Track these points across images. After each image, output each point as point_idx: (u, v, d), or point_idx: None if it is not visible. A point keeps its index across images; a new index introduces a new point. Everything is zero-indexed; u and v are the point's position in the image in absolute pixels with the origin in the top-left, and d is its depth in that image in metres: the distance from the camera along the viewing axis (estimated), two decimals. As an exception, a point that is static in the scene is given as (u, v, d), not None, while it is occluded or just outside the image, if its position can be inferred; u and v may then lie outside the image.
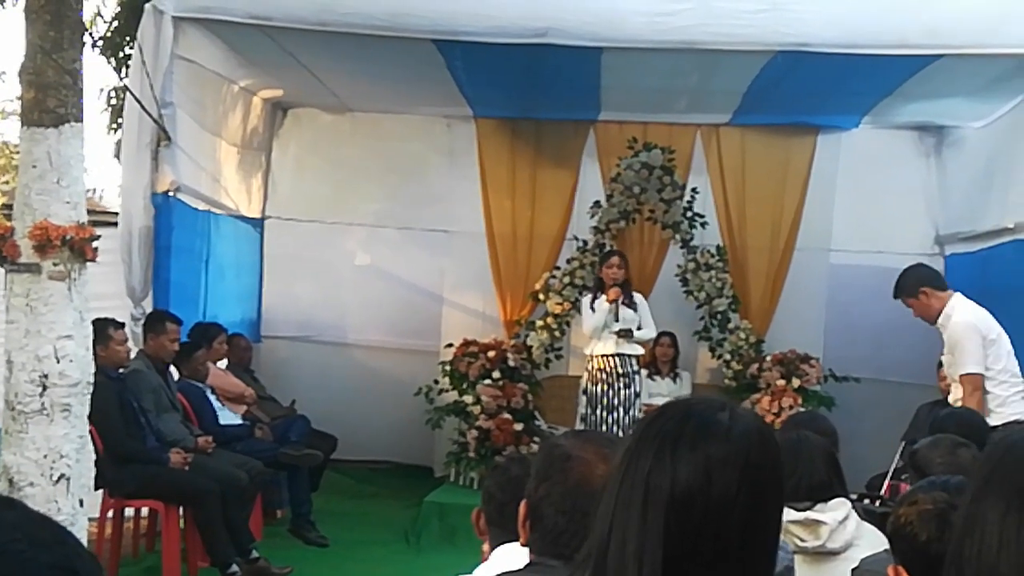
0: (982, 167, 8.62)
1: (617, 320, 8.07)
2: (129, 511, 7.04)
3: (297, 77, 8.57)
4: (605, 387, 8.11)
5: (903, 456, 6.67)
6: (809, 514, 3.48)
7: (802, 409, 8.16)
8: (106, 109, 10.40)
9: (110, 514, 6.69)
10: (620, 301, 8.08)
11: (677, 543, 1.44)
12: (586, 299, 8.37)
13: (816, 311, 9.53)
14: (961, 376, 5.98)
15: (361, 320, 9.97)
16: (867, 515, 3.89)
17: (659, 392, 8.96)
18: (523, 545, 2.18)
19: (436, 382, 9.12)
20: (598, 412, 8.11)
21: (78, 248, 5.69)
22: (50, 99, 5.70)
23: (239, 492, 6.81)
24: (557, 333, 9.22)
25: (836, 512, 3.50)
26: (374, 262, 10.07)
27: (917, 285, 6.21)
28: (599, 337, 8.14)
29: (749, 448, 1.51)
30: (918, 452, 3.79)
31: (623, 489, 1.50)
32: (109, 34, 9.87)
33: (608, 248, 8.99)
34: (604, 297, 8.10)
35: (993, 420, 5.57)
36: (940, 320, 6.13)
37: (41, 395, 5.64)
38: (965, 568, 1.29)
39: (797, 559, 3.45)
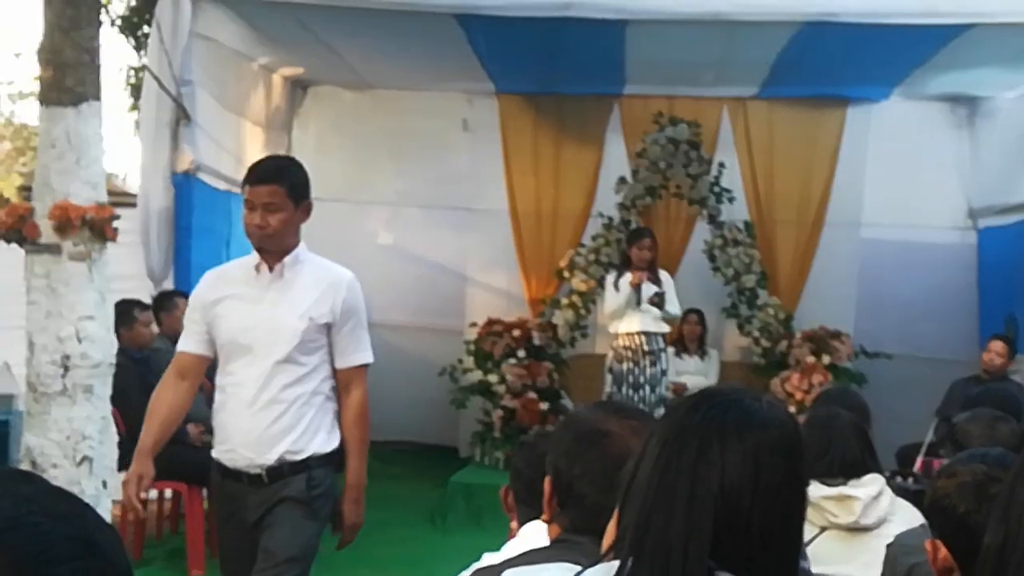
0: (1016, 138, 8.54)
1: (639, 305, 7.98)
2: (152, 493, 7.01)
3: (317, 54, 8.53)
4: (631, 365, 8.06)
5: (936, 432, 6.61)
6: (842, 490, 3.47)
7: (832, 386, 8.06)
8: (127, 87, 10.39)
9: (133, 496, 6.67)
10: (645, 280, 8.01)
11: (725, 531, 1.50)
12: (611, 277, 8.31)
13: (846, 286, 9.42)
14: (361, 366, 3.99)
15: (384, 300, 9.90)
16: (901, 492, 3.87)
17: (687, 370, 8.91)
18: (545, 522, 2.16)
19: (460, 361, 9.11)
20: (624, 390, 8.07)
21: (98, 228, 5.69)
22: (68, 78, 5.69)
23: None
24: (583, 311, 9.16)
25: (869, 488, 3.49)
26: (397, 241, 10.04)
27: (308, 194, 4.03)
28: (620, 316, 8.07)
29: (788, 434, 1.59)
30: (957, 426, 3.80)
31: (665, 479, 1.54)
32: (128, 13, 9.85)
33: (634, 225, 8.93)
34: (629, 277, 8.02)
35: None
36: (292, 265, 3.92)
37: (63, 376, 5.65)
38: (1012, 507, 1.29)
39: (831, 534, 3.47)
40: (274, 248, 3.85)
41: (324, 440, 3.89)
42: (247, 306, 3.87)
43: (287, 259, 3.87)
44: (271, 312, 3.83)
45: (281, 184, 3.87)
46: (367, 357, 3.99)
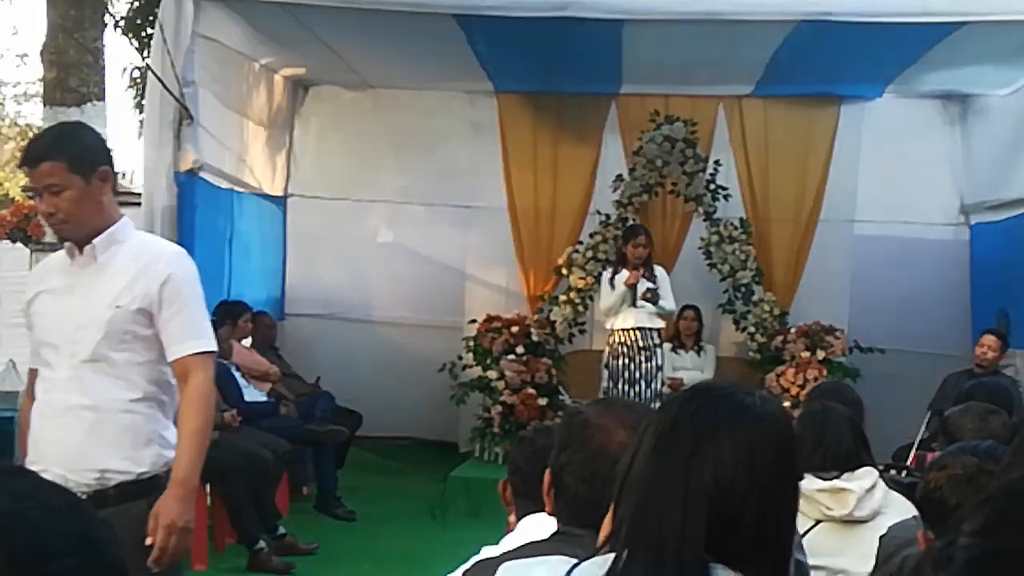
0: (1008, 135, 8.56)
1: (634, 305, 8.04)
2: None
3: (318, 54, 8.56)
4: (626, 360, 8.09)
5: (929, 426, 6.67)
6: (836, 483, 3.49)
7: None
8: (130, 86, 10.44)
9: (139, 491, 6.72)
10: (640, 278, 8.05)
11: (719, 524, 1.51)
12: (606, 274, 8.34)
13: (841, 282, 9.46)
14: (199, 354, 3.30)
15: (385, 297, 9.98)
16: (894, 485, 3.89)
17: (683, 366, 8.95)
18: (549, 514, 2.19)
19: (460, 358, 9.14)
20: (620, 386, 8.10)
21: (102, 227, 5.71)
22: (72, 78, 5.76)
23: (265, 469, 6.85)
24: (580, 308, 9.19)
25: (863, 481, 3.51)
26: (397, 239, 10.07)
27: (101, 160, 3.29)
28: (614, 313, 8.12)
29: (781, 428, 1.61)
30: (949, 418, 3.79)
31: (660, 473, 1.55)
32: (131, 14, 9.90)
33: (631, 222, 8.97)
34: (625, 275, 8.06)
35: None
36: (106, 245, 3.26)
37: (68, 374, 5.67)
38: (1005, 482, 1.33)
39: (825, 527, 3.47)
40: (75, 235, 3.24)
41: (157, 457, 3.30)
42: (57, 299, 3.28)
43: (99, 240, 3.24)
44: (80, 303, 3.24)
45: (57, 159, 3.17)
46: (204, 344, 3.31)
